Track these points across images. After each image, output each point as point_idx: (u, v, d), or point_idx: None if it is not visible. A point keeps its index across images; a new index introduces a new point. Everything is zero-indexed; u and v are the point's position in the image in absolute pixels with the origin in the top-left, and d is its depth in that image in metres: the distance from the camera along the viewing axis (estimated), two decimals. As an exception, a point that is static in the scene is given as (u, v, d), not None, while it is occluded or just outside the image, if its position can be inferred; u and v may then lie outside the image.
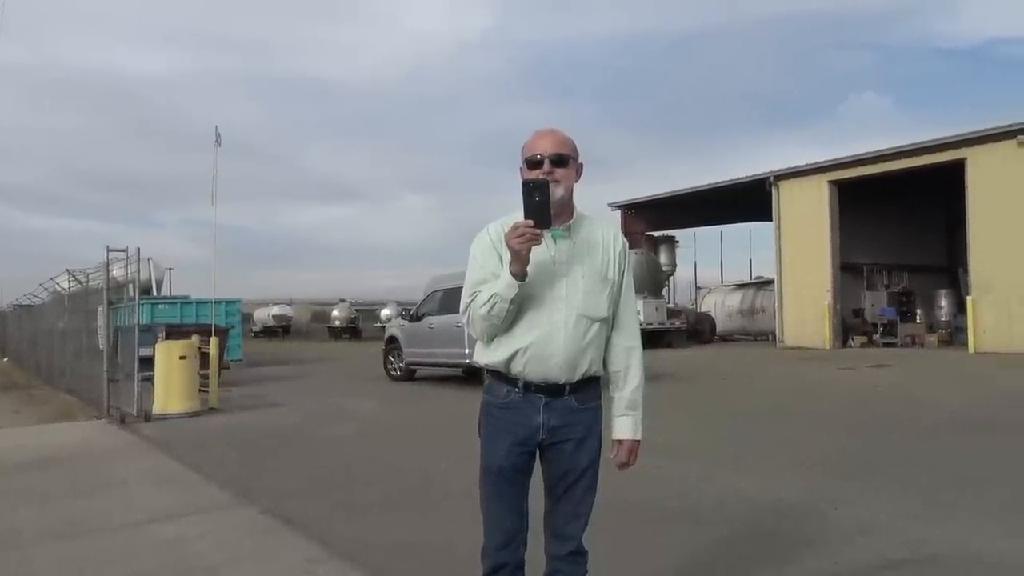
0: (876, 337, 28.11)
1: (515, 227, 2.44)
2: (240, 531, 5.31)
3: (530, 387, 2.66)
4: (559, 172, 2.61)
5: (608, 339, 2.78)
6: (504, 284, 2.50)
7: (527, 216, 2.46)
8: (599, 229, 2.79)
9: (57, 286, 17.91)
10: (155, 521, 5.57)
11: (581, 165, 2.76)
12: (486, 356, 2.73)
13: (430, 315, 16.48)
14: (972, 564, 4.39)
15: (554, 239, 2.64)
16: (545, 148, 2.65)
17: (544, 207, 2.48)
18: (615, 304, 2.76)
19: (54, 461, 8.08)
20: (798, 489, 6.23)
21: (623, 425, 2.79)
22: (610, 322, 2.76)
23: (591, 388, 2.75)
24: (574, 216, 2.70)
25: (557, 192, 2.56)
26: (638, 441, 2.82)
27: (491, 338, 2.67)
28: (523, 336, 2.62)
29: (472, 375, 14.84)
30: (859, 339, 27.90)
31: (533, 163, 2.63)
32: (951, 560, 4.47)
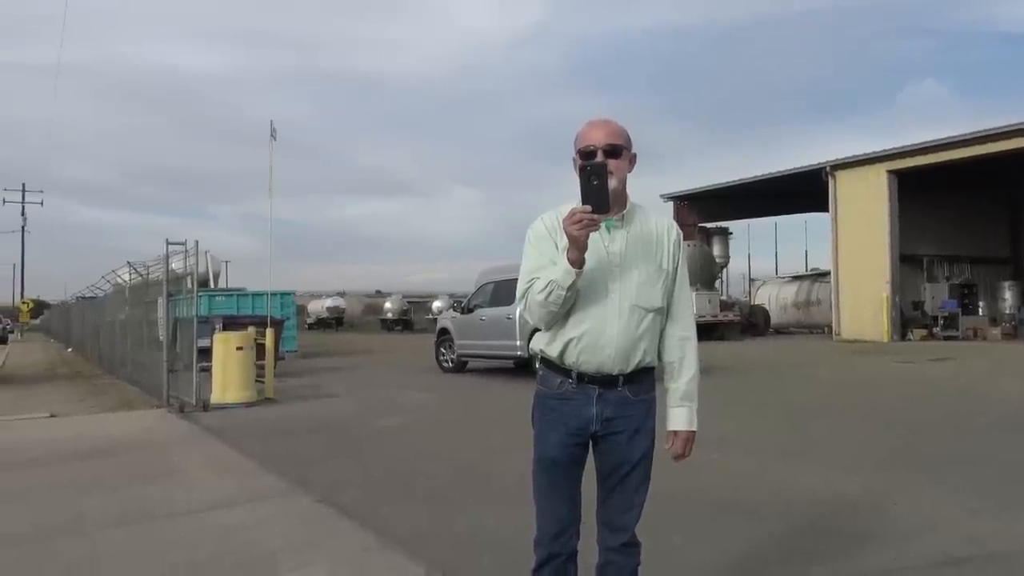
0: (936, 330, 27.50)
1: (572, 213, 2.41)
2: (297, 519, 5.40)
3: (584, 378, 2.65)
4: (612, 163, 2.58)
5: (662, 330, 2.76)
6: (562, 271, 2.48)
7: (585, 201, 2.42)
8: (653, 219, 2.76)
9: (119, 278, 18.33)
10: (215, 508, 5.69)
11: (635, 155, 2.73)
12: (540, 345, 2.73)
13: (481, 307, 16.52)
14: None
15: (608, 229, 2.62)
16: (598, 139, 2.62)
17: (602, 191, 2.44)
18: (669, 295, 2.74)
19: (116, 449, 8.29)
20: (857, 483, 6.12)
21: (678, 416, 2.77)
22: (664, 313, 2.74)
23: (645, 379, 2.73)
24: (627, 206, 2.68)
25: (611, 183, 2.52)
26: (693, 432, 2.79)
27: (549, 325, 2.66)
28: (577, 326, 2.62)
29: (523, 367, 14.86)
30: (918, 332, 27.31)
31: (586, 154, 2.61)
32: (1015, 557, 4.36)
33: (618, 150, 2.63)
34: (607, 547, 2.78)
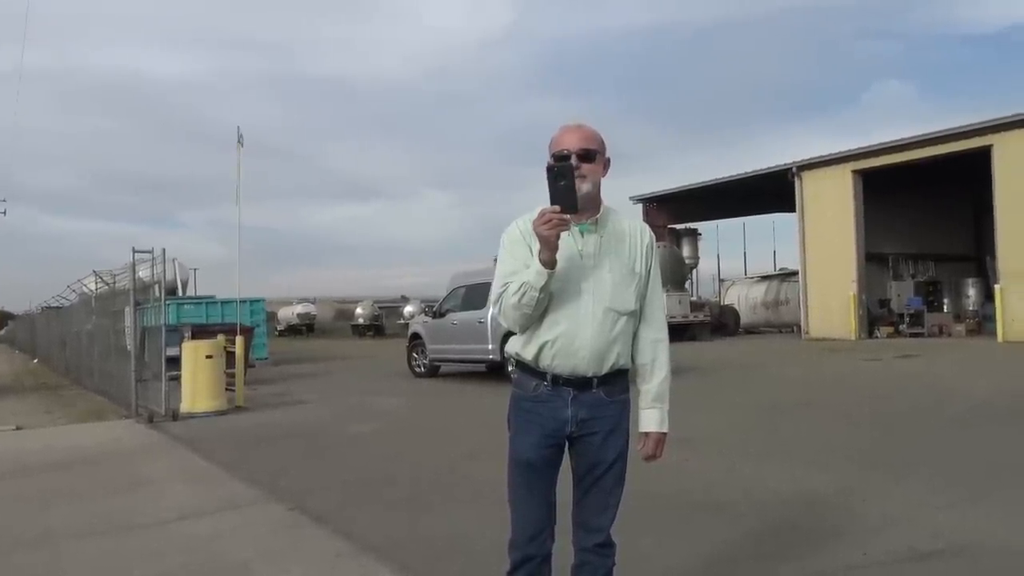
0: (903, 327, 27.87)
1: (541, 213, 2.42)
2: (269, 527, 5.35)
3: (558, 380, 2.66)
4: (586, 167, 2.60)
5: (635, 332, 2.78)
6: (534, 272, 2.49)
7: (553, 201, 2.44)
8: (626, 223, 2.79)
9: (85, 287, 18.10)
10: (185, 518, 5.62)
11: (608, 160, 2.75)
12: (515, 348, 2.74)
13: (453, 311, 16.49)
14: (1002, 554, 4.34)
15: (581, 233, 2.64)
16: (572, 143, 2.64)
17: (570, 191, 2.45)
18: (642, 297, 2.76)
19: (84, 460, 8.18)
20: (825, 481, 6.18)
21: (650, 418, 2.79)
22: (637, 315, 2.76)
23: (619, 381, 2.75)
24: (601, 210, 2.70)
25: (584, 187, 2.55)
26: (665, 433, 2.81)
27: (524, 328, 2.67)
28: (551, 329, 2.63)
29: (495, 371, 14.85)
30: (885, 329, 27.65)
31: (560, 158, 2.62)
32: (981, 550, 4.42)
33: (592, 154, 2.65)
34: (582, 548, 2.79)
